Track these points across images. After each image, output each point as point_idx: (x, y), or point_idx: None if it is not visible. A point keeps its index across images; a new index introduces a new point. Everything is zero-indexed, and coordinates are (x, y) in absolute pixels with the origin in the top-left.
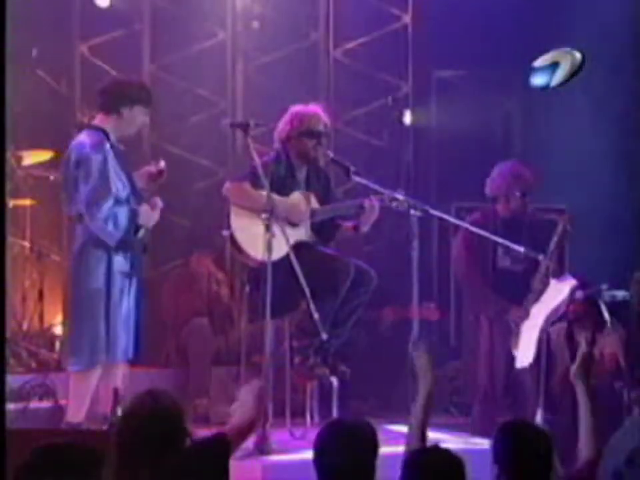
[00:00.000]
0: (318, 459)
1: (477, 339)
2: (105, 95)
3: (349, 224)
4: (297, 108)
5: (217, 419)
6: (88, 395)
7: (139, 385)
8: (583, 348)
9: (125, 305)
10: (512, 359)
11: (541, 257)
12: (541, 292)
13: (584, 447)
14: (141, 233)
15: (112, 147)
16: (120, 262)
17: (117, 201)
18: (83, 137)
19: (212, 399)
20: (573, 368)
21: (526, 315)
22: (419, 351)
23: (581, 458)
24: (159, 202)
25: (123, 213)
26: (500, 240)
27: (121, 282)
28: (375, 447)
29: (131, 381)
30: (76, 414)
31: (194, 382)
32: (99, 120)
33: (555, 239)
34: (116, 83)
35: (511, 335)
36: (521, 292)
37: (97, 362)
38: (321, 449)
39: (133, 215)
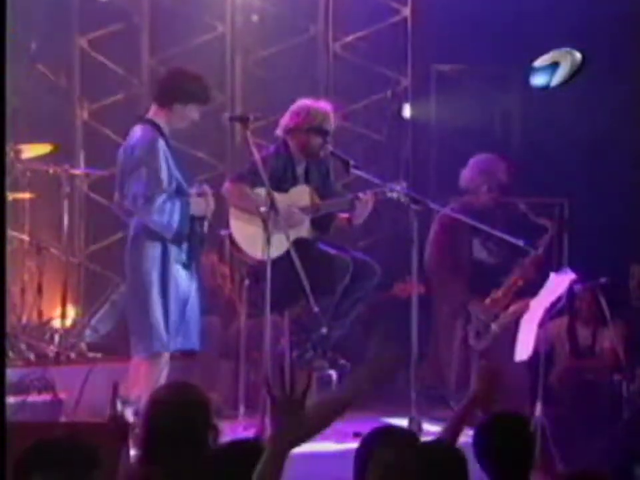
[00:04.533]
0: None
1: (436, 327)
2: (161, 88)
3: (343, 215)
4: (307, 102)
5: (227, 413)
6: (153, 383)
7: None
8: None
9: (185, 294)
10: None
11: (522, 243)
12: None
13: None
14: (205, 226)
15: (165, 140)
16: (176, 252)
17: (170, 195)
18: (137, 132)
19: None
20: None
21: (485, 307)
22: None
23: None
24: (207, 189)
25: (176, 206)
26: (483, 226)
27: (177, 272)
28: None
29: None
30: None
31: (204, 375)
32: (152, 112)
33: (542, 242)
34: (173, 76)
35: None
36: (493, 285)
37: (155, 348)
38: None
39: (186, 206)
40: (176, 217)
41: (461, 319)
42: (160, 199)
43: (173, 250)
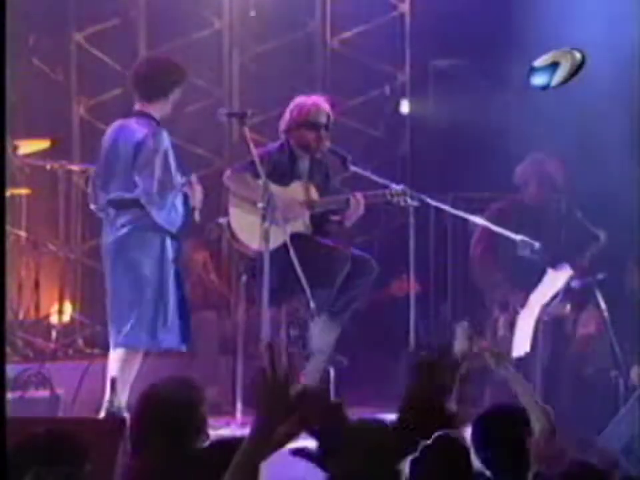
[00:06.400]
0: None
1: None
2: (149, 82)
3: (335, 217)
4: (300, 98)
5: (225, 409)
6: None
7: (145, 373)
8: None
9: (176, 290)
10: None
11: (537, 245)
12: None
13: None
14: (196, 216)
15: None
16: (169, 248)
17: (177, 189)
18: (136, 126)
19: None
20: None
21: (526, 301)
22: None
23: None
24: (195, 179)
25: (179, 200)
26: (499, 230)
27: (170, 268)
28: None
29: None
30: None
31: (201, 371)
32: (143, 106)
33: (589, 252)
34: (159, 67)
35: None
36: (535, 281)
37: (141, 344)
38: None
39: (186, 199)
40: (181, 212)
41: (497, 311)
42: (171, 195)
43: (171, 246)
